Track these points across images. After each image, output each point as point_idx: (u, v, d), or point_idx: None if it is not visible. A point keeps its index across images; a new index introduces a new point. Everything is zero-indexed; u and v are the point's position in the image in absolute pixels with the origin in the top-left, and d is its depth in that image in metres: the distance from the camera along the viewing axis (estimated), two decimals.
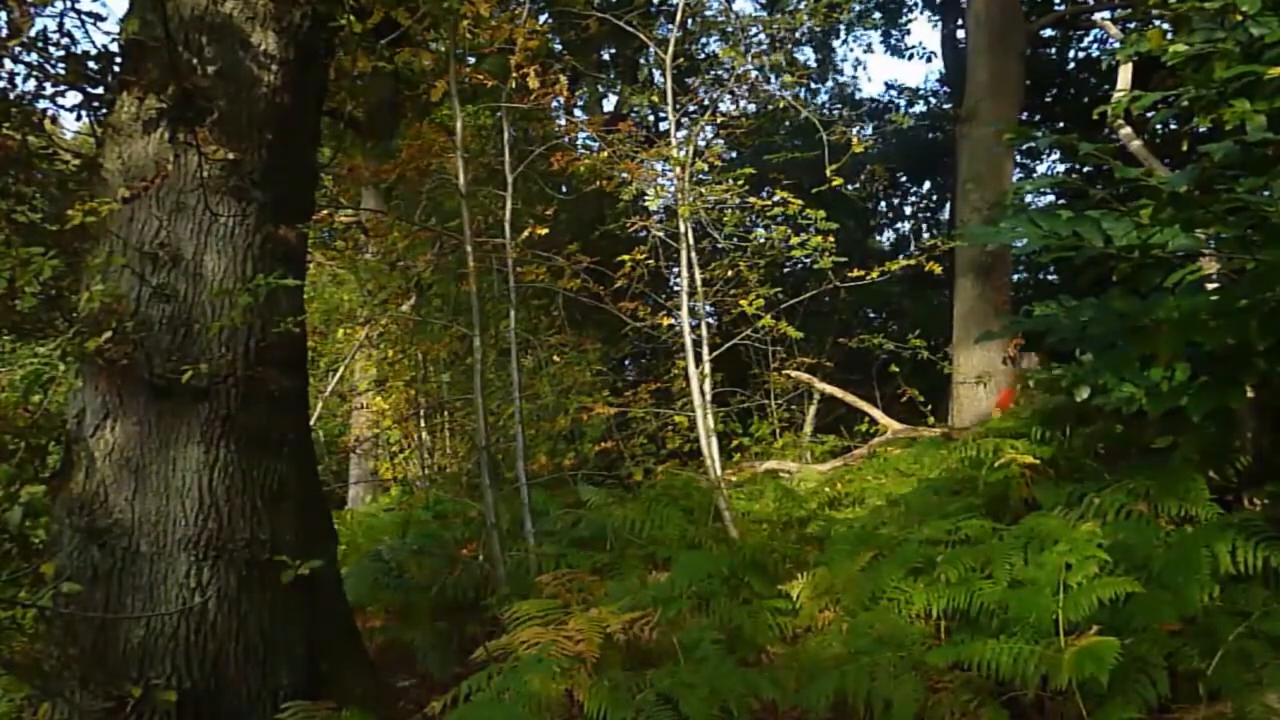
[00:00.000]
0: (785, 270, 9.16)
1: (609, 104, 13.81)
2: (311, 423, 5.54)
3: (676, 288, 8.06)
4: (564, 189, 9.87)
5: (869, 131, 12.44)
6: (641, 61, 11.94)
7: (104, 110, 3.94)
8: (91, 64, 3.87)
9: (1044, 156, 14.86)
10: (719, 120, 7.89)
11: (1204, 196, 3.07)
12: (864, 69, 35.53)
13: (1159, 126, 8.93)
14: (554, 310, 9.45)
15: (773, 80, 8.62)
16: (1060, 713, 3.09)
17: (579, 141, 10.08)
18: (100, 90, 3.93)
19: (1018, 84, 9.10)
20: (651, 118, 12.79)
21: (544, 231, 6.70)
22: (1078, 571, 3.28)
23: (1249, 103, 3.38)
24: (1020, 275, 13.37)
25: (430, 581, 5.61)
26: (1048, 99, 13.76)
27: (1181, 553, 3.33)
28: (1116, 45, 5.63)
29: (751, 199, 7.56)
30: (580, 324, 10.10)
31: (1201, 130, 3.78)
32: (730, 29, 9.06)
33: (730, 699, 3.29)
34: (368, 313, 9.30)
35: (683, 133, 7.48)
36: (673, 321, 7.59)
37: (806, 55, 14.61)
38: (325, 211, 7.60)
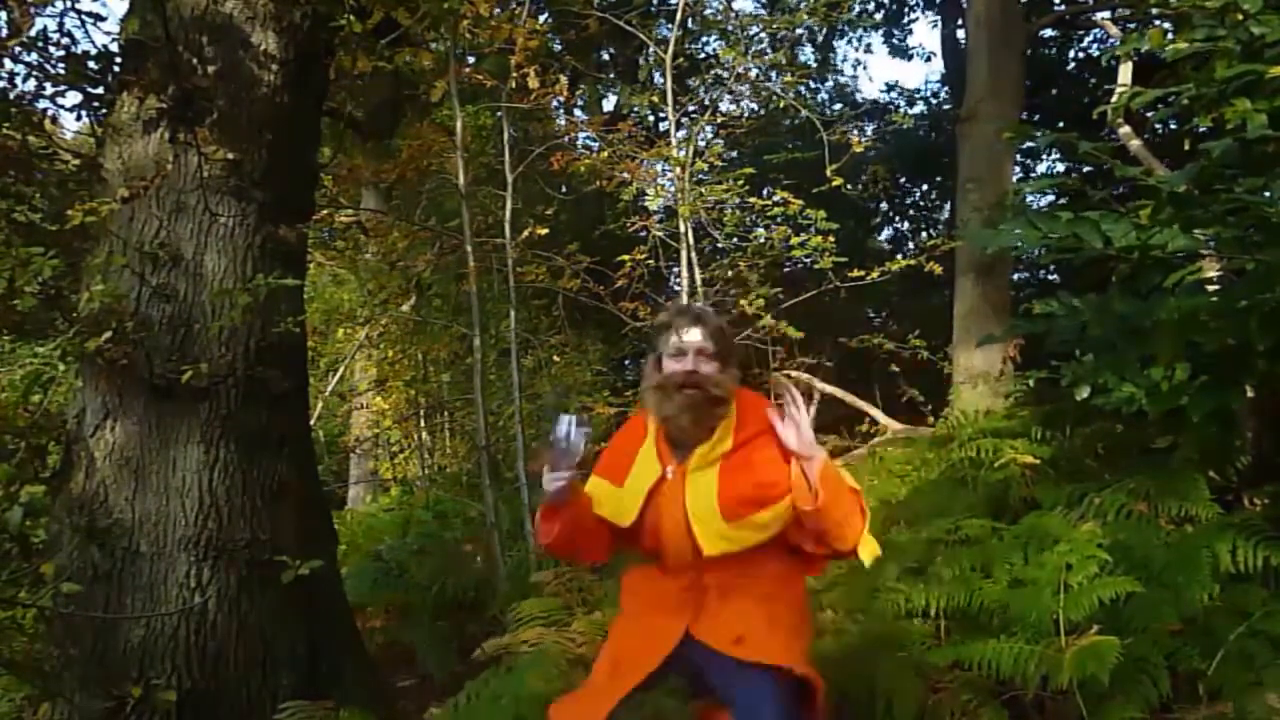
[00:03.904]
0: (785, 270, 9.15)
1: (609, 104, 13.81)
2: (311, 423, 5.54)
3: (676, 288, 8.06)
4: (564, 189, 9.87)
5: (869, 131, 12.44)
6: (641, 61, 11.92)
7: (104, 110, 3.94)
8: (91, 64, 3.87)
9: (1044, 156, 14.85)
10: (719, 120, 7.90)
11: (1204, 196, 3.07)
12: (864, 69, 35.58)
13: (1159, 126, 8.93)
14: (554, 310, 9.44)
15: (773, 79, 8.63)
16: (1060, 713, 3.08)
17: (579, 141, 10.08)
18: (100, 90, 3.93)
19: (1018, 84, 9.08)
20: (651, 118, 12.79)
21: (544, 231, 6.70)
22: (1078, 571, 3.27)
23: (1250, 101, 3.37)
24: (1020, 275, 13.35)
25: (430, 581, 5.62)
26: (1048, 99, 13.75)
27: (1181, 553, 3.33)
28: (1116, 45, 5.62)
29: (751, 199, 7.57)
30: (580, 324, 10.10)
31: (1202, 129, 3.76)
32: (730, 29, 9.07)
33: None
34: (368, 313, 9.30)
35: (683, 133, 7.49)
36: None
37: (806, 55, 14.61)
38: (325, 211, 7.59)
